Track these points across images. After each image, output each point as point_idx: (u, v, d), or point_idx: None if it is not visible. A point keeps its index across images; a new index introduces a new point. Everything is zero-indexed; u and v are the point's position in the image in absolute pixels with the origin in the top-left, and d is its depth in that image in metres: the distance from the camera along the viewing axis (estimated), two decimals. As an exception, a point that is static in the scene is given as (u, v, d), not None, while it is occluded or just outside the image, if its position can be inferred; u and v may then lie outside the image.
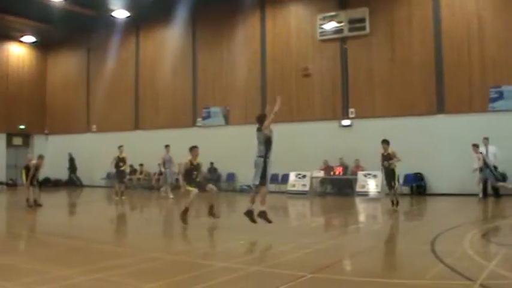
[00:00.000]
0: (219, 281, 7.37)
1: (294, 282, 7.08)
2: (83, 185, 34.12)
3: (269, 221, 11.75)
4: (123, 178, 22.89)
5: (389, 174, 16.72)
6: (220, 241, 11.58)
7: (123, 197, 22.24)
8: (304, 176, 24.36)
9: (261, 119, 11.91)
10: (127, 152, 22.83)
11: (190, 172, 13.88)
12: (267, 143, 11.78)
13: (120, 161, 22.19)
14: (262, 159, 11.77)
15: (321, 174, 24.36)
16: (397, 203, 16.71)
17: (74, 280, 7.38)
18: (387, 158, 16.69)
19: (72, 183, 34.20)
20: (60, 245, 11.17)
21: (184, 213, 13.19)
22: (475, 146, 20.03)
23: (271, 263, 8.59)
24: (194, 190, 13.50)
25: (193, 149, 14.10)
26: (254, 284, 7.40)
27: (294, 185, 24.47)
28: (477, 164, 20.06)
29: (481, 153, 19.97)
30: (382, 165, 16.90)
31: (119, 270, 8.07)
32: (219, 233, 12.38)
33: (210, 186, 14.01)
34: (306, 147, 24.88)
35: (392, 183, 16.73)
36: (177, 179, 22.00)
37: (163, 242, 11.67)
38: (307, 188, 24.04)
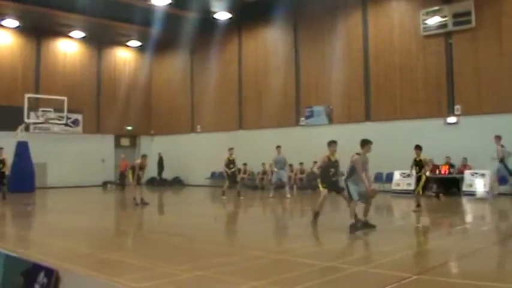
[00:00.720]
0: (322, 280, 7.58)
1: (398, 283, 7.19)
2: (185, 184, 35.15)
3: (353, 232, 11.67)
4: (234, 179, 24.08)
5: (417, 180, 17.41)
6: (326, 240, 11.80)
7: (241, 197, 23.60)
8: (409, 175, 24.00)
9: (361, 144, 12.45)
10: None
11: (328, 169, 13.43)
12: (351, 168, 12.42)
13: (230, 162, 22.86)
14: (344, 181, 12.58)
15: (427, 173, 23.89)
16: (418, 205, 16.95)
17: (179, 277, 7.87)
18: (418, 163, 17.17)
19: (176, 182, 35.31)
20: (166, 242, 11.86)
21: (315, 219, 13.02)
22: (498, 138, 19.23)
23: (375, 264, 8.72)
24: (324, 191, 13.31)
25: (331, 144, 13.53)
26: (358, 285, 7.55)
27: (398, 184, 24.64)
28: (497, 156, 19.37)
29: (502, 145, 19.16)
30: (413, 169, 17.54)
31: (223, 268, 8.49)
32: (325, 232, 12.49)
33: (346, 193, 13.35)
34: (411, 145, 24.40)
35: (415, 188, 17.33)
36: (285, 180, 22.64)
37: (268, 241, 11.93)
38: (412, 187, 23.66)
